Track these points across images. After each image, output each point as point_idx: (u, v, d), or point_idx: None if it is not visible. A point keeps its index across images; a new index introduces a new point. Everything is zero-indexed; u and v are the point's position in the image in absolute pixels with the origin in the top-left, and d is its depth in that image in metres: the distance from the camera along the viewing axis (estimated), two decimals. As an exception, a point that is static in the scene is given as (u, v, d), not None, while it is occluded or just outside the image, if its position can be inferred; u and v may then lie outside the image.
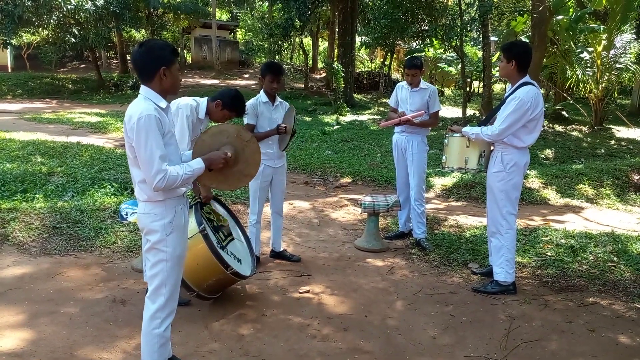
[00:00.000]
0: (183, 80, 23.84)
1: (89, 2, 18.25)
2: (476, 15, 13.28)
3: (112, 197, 5.67)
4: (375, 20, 14.97)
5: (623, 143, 12.35)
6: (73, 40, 20.22)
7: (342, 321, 3.47)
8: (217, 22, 28.98)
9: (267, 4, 26.55)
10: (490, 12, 13.18)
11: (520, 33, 15.50)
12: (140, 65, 2.36)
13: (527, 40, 12.98)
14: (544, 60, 13.42)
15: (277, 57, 20.25)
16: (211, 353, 2.99)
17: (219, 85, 23.35)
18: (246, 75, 28.97)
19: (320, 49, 31.89)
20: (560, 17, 13.05)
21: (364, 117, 16.01)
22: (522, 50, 3.79)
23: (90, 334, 3.13)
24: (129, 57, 23.68)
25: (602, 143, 12.12)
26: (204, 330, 3.25)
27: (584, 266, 4.40)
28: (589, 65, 13.48)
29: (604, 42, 13.24)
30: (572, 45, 13.45)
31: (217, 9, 30.10)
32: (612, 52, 13.19)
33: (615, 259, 4.55)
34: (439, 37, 13.77)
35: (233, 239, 3.77)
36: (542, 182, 7.52)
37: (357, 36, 20.82)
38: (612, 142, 12.46)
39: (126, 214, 4.29)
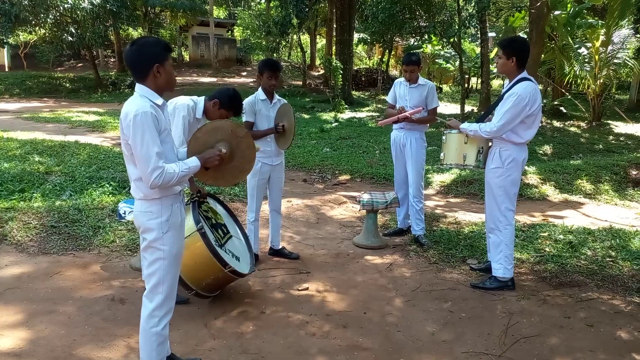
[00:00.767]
0: (181, 78, 23.86)
1: (86, 1, 18.19)
2: (474, 11, 13.27)
3: (110, 195, 5.67)
4: (373, 17, 14.96)
5: (621, 138, 12.36)
6: (70, 38, 20.16)
7: (341, 318, 3.47)
8: (214, 19, 28.95)
9: (264, 1, 26.52)
10: (487, 8, 13.19)
11: (518, 29, 15.48)
12: (134, 64, 2.34)
13: (525, 36, 12.99)
14: (542, 55, 13.40)
15: (274, 54, 20.20)
16: (210, 351, 2.99)
17: (216, 83, 23.32)
18: (244, 73, 28.93)
19: (318, 46, 31.83)
20: (558, 12, 13.03)
21: (362, 114, 16.00)
22: (521, 46, 3.79)
23: (89, 333, 3.13)
24: (126, 56, 23.60)
25: (600, 138, 12.12)
26: (203, 329, 3.25)
27: (583, 261, 4.41)
28: (587, 60, 13.48)
29: (602, 38, 13.23)
30: (570, 40, 13.44)
31: (214, 7, 30.05)
32: (610, 47, 13.18)
33: (613, 254, 4.56)
34: (437, 33, 13.77)
35: (232, 236, 3.77)
36: (540, 178, 7.52)
37: (354, 33, 20.79)
38: (610, 137, 12.47)
39: (124, 213, 4.28)
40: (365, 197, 5.00)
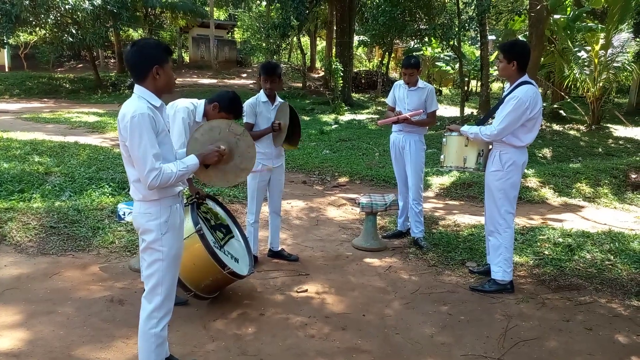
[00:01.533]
0: (181, 79, 23.85)
1: (87, 2, 18.18)
2: (474, 14, 13.27)
3: (110, 196, 5.66)
4: (373, 19, 14.97)
5: (620, 142, 12.37)
6: (70, 39, 20.14)
7: (340, 320, 3.47)
8: (214, 21, 28.94)
9: (265, 3, 26.55)
10: (487, 11, 13.18)
11: (518, 32, 15.51)
12: (133, 65, 2.35)
13: (525, 40, 13.01)
14: (542, 59, 13.43)
15: (275, 56, 20.21)
16: (209, 352, 2.99)
17: (216, 85, 23.33)
18: (244, 75, 28.93)
19: (318, 48, 31.86)
20: (557, 16, 13.05)
21: (362, 116, 16.01)
22: (522, 50, 3.80)
23: (88, 334, 3.13)
24: (127, 57, 23.60)
25: (600, 142, 12.13)
26: (201, 330, 3.25)
27: (582, 265, 4.41)
28: (586, 64, 13.49)
29: (601, 41, 13.25)
30: (570, 44, 13.46)
31: (214, 9, 30.06)
32: (609, 51, 13.20)
33: (612, 257, 4.56)
34: (437, 36, 13.77)
35: (233, 236, 3.77)
36: (539, 181, 7.53)
37: (355, 35, 20.80)
38: (610, 141, 12.48)
39: (124, 214, 4.28)
40: (365, 199, 5.00)
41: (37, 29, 20.74)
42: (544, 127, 12.92)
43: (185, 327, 3.27)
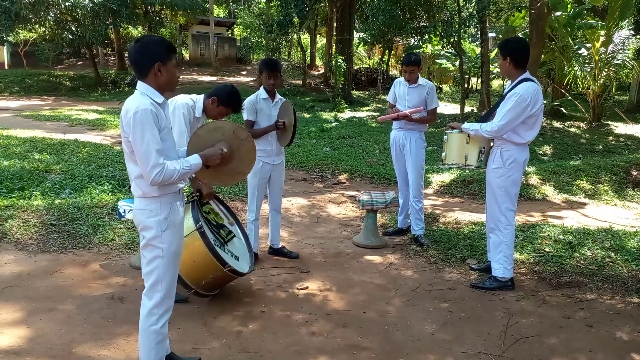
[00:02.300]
0: (181, 77, 23.83)
1: (86, -1, 18.18)
2: (474, 11, 13.25)
3: (110, 194, 5.66)
4: (373, 17, 14.95)
5: (621, 139, 12.37)
6: (70, 37, 20.13)
7: (341, 317, 3.47)
8: (214, 18, 28.91)
9: (265, 0, 26.51)
10: (488, 8, 13.17)
11: (518, 29, 15.48)
12: (136, 61, 2.36)
13: (525, 37, 13.00)
14: (542, 56, 13.42)
15: (275, 54, 20.18)
16: (210, 350, 2.99)
17: (216, 82, 23.28)
18: (244, 72, 28.91)
19: (318, 45, 31.81)
20: (558, 13, 13.03)
21: (362, 113, 16.00)
22: (516, 46, 3.78)
23: (89, 331, 3.13)
24: (126, 54, 23.65)
25: (600, 139, 12.13)
26: (202, 327, 3.25)
27: (582, 262, 4.41)
28: (587, 61, 13.49)
29: (602, 39, 13.24)
30: (570, 41, 13.44)
31: (214, 6, 30.02)
32: (610, 48, 13.20)
33: (613, 254, 4.55)
34: (437, 33, 13.75)
35: (234, 236, 3.77)
36: (540, 179, 7.53)
37: (355, 33, 20.76)
38: (610, 138, 12.48)
39: (124, 211, 4.27)
40: (365, 196, 4.99)
41: (37, 26, 20.73)
42: (544, 124, 12.91)
43: (186, 324, 3.27)
